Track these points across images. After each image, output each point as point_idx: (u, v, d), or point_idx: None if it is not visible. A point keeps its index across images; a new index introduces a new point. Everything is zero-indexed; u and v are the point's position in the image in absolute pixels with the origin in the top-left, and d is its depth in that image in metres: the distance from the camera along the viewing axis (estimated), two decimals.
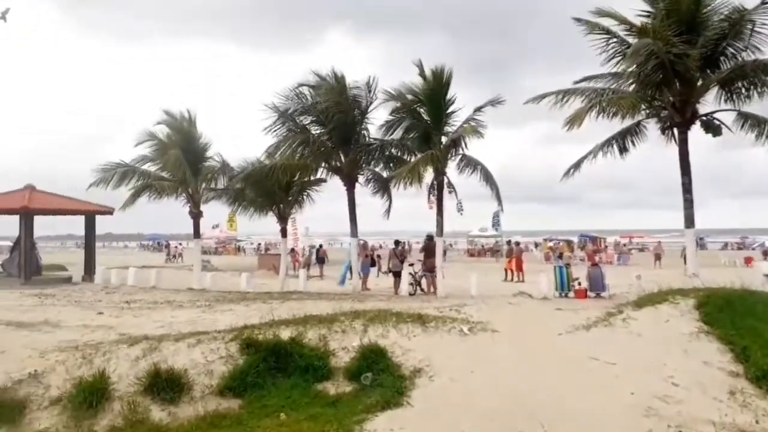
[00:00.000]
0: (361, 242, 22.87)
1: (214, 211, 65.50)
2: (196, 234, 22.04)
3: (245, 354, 7.92)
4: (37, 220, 23.31)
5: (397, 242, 20.12)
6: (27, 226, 22.19)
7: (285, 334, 8.46)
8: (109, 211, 24.07)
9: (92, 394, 6.62)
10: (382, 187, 18.64)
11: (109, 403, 6.72)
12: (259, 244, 68.64)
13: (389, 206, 18.77)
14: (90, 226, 24.41)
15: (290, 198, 20.38)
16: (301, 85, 17.71)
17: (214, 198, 21.45)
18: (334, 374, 7.72)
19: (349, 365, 7.85)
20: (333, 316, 9.63)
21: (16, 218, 22.43)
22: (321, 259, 29.97)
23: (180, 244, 62.80)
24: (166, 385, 6.98)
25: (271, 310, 13.55)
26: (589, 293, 14.95)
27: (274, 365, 7.65)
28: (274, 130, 17.63)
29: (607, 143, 16.34)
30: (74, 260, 30.54)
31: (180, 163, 19.92)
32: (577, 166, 16.66)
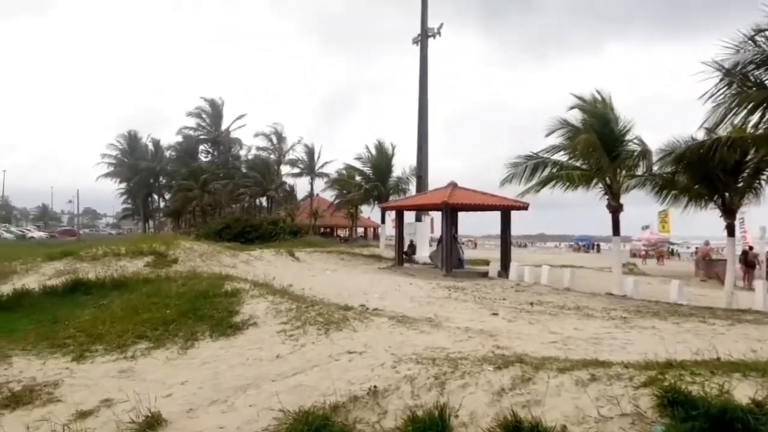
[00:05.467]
0: None
1: (642, 212, 59.86)
2: (615, 231, 18.83)
3: (663, 414, 4.72)
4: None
5: None
6: (449, 221, 23.11)
7: (741, 389, 4.85)
8: (524, 207, 23.25)
9: None
10: None
11: None
12: (696, 248, 59.38)
13: None
14: (505, 221, 24.02)
15: (740, 184, 15.16)
16: (761, 30, 12.65)
17: (636, 187, 17.81)
18: None
19: None
20: None
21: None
22: (750, 264, 23.08)
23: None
24: None
25: (713, 335, 9.62)
26: None
27: None
28: (716, 96, 13.11)
29: None
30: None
31: (594, 148, 17.22)
32: None
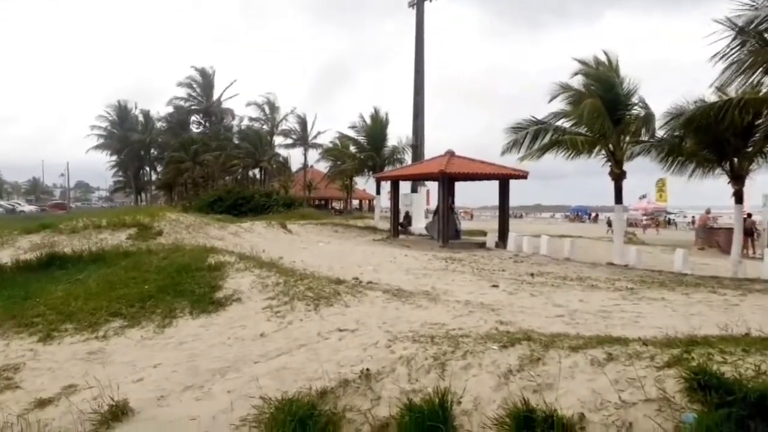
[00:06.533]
0: None
1: (640, 182, 59.29)
2: (618, 199, 18.20)
3: (693, 400, 4.14)
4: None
5: None
6: (446, 190, 22.44)
7: None
8: (523, 175, 22.64)
9: None
10: None
11: None
12: (693, 217, 59.08)
13: None
14: (504, 190, 23.38)
15: (749, 148, 14.49)
16: None
17: (641, 153, 17.12)
18: None
19: None
20: None
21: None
22: (748, 232, 22.47)
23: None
24: None
25: (726, 306, 9.08)
26: None
27: None
28: (728, 56, 12.35)
29: None
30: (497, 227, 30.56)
31: (598, 113, 16.48)
32: None
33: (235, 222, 20.52)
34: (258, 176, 58.91)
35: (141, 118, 71.14)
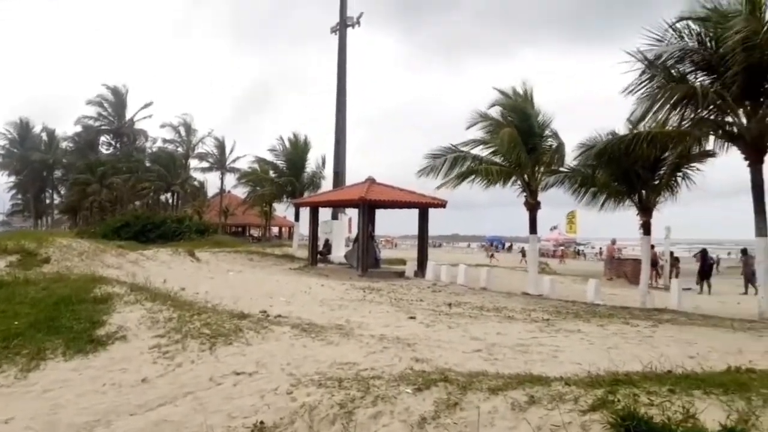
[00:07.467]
0: None
1: (552, 214, 61.60)
2: (533, 229, 18.45)
3: None
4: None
5: None
6: (366, 218, 22.00)
7: (708, 411, 3.96)
8: (442, 204, 22.66)
9: None
10: None
11: None
12: (601, 248, 61.98)
13: None
14: (423, 219, 23.29)
15: (657, 181, 15.05)
16: (683, 18, 12.43)
17: (555, 184, 17.47)
18: None
19: None
20: None
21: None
22: (653, 262, 23.77)
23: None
24: None
25: (641, 338, 9.02)
26: None
27: None
28: (638, 89, 12.78)
29: None
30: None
31: (515, 142, 16.69)
32: None
33: (139, 249, 19.04)
34: (171, 201, 56.26)
35: (45, 137, 66.54)
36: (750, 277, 20.66)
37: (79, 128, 62.92)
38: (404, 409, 4.53)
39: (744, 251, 23.62)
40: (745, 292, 21.15)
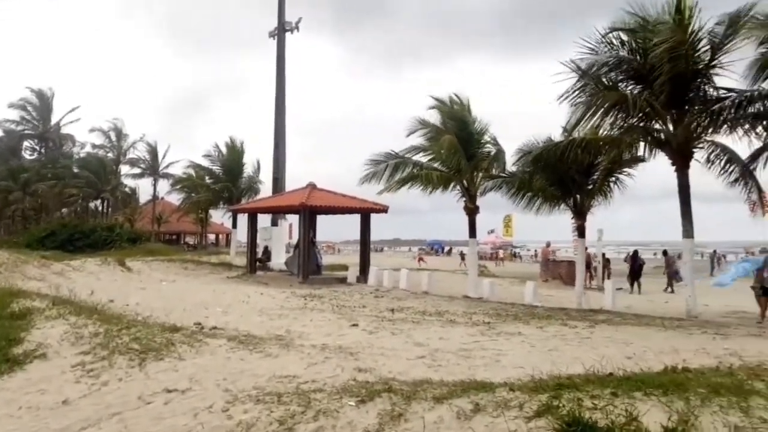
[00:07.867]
0: None
1: (489, 218, 62.92)
2: (472, 233, 18.69)
3: None
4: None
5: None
6: (307, 223, 21.68)
7: (650, 414, 3.98)
8: (384, 209, 22.62)
9: None
10: (741, 169, 12.57)
11: None
12: (536, 250, 63.85)
13: (760, 199, 12.55)
14: (365, 224, 23.17)
15: (591, 186, 15.53)
16: (614, 29, 12.88)
17: (494, 189, 17.75)
18: None
19: None
20: (731, 375, 4.79)
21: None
22: (587, 264, 24.73)
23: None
24: None
25: (580, 340, 9.19)
26: None
27: None
28: (571, 96, 13.14)
29: None
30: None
31: (454, 149, 16.86)
32: None
33: (66, 259, 18.01)
34: (100, 208, 53.81)
35: None
36: (673, 275, 22.27)
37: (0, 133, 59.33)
38: (347, 422, 4.35)
39: (665, 252, 25.07)
40: (668, 289, 22.44)
